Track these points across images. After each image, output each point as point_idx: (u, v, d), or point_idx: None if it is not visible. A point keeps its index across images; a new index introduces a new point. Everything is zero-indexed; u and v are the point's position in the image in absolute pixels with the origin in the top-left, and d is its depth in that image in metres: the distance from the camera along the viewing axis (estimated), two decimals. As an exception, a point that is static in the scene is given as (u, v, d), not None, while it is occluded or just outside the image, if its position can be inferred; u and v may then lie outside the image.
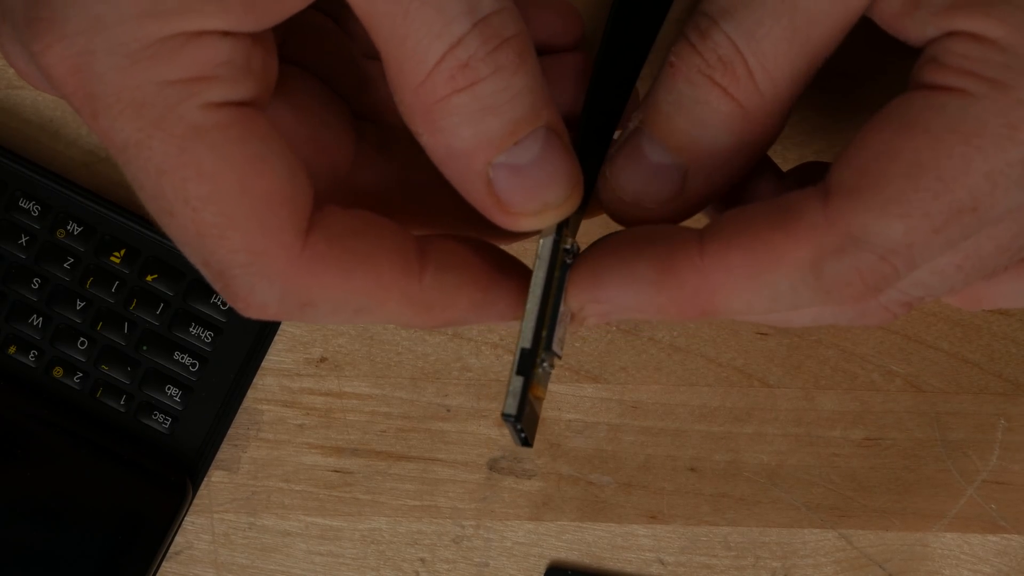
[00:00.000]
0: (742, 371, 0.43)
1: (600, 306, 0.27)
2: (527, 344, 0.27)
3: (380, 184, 0.31)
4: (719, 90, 0.26)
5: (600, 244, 0.27)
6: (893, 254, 0.24)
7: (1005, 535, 0.43)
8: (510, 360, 0.43)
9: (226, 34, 0.25)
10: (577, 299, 0.27)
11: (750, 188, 0.31)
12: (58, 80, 0.24)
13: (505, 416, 0.27)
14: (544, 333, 0.27)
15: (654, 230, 0.27)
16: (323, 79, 0.31)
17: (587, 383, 0.43)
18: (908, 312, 0.28)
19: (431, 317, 0.27)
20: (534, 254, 0.28)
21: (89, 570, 0.41)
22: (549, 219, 0.27)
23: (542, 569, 0.43)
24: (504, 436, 0.43)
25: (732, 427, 0.43)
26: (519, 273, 0.29)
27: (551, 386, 0.43)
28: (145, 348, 0.43)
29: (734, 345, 0.43)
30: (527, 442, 0.27)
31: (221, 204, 0.25)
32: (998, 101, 0.23)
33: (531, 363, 0.27)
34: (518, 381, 0.27)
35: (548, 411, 0.43)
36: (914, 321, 0.42)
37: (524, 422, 0.27)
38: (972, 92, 0.24)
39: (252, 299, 0.26)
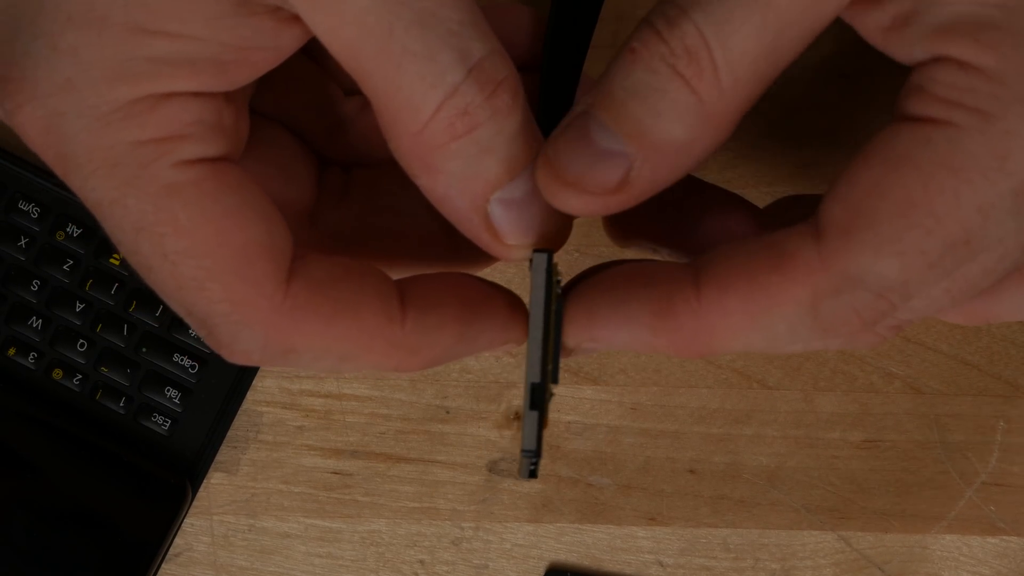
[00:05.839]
0: (741, 373, 0.43)
1: (596, 344, 0.27)
2: (536, 379, 0.27)
3: (339, 232, 0.31)
4: (680, 80, 0.25)
5: (594, 282, 0.27)
6: (889, 291, 0.24)
7: (1004, 537, 0.43)
8: (509, 362, 0.43)
9: (197, 94, 0.25)
10: (574, 338, 0.27)
11: (728, 226, 0.31)
12: (30, 138, 0.25)
13: (525, 452, 0.27)
14: (550, 367, 0.27)
15: (649, 268, 0.27)
16: (293, 125, 0.31)
17: (587, 385, 0.43)
18: (897, 334, 0.28)
19: (417, 359, 0.27)
20: (528, 288, 0.29)
21: (89, 572, 0.41)
22: (548, 245, 0.27)
23: (541, 571, 0.43)
24: (503, 438, 0.43)
25: (731, 429, 0.43)
26: (499, 299, 0.29)
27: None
28: (144, 350, 0.43)
29: (733, 347, 0.43)
30: (534, 474, 0.28)
31: (200, 258, 0.25)
32: (986, 132, 0.23)
33: (542, 396, 0.27)
34: (533, 416, 0.27)
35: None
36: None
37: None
38: (959, 124, 0.23)
39: (235, 347, 0.26)
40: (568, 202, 0.26)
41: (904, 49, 0.25)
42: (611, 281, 0.27)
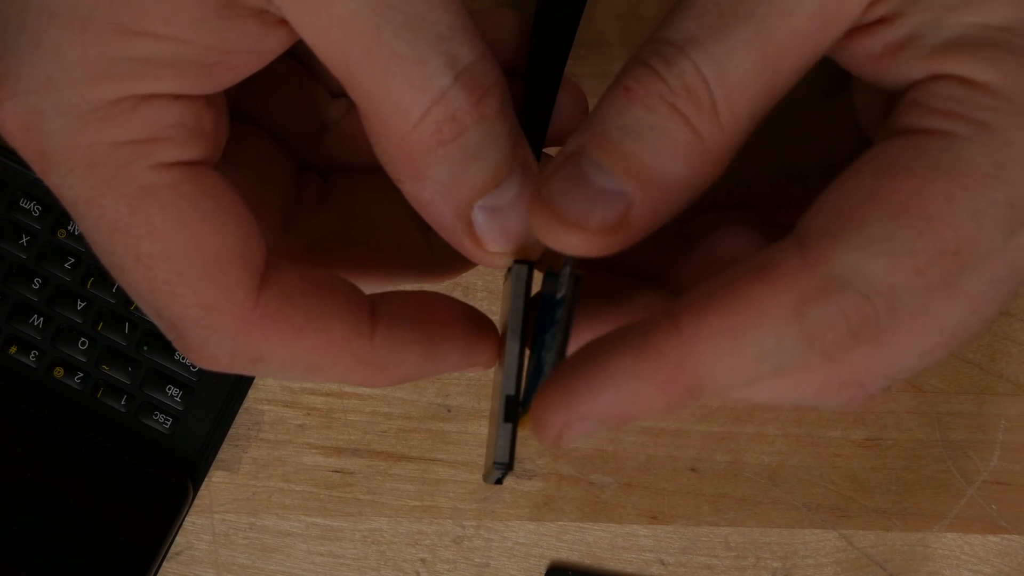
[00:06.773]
0: (743, 371, 0.43)
1: (581, 424, 0.25)
2: (511, 391, 0.27)
3: (316, 239, 0.31)
4: (679, 118, 0.24)
5: (564, 364, 0.26)
6: (876, 294, 0.24)
7: (1006, 535, 0.43)
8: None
9: (178, 97, 0.25)
10: (553, 424, 0.25)
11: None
12: (10, 135, 0.25)
13: (497, 465, 0.27)
14: (526, 378, 0.27)
15: (619, 328, 0.26)
16: (275, 127, 0.31)
17: (588, 383, 0.43)
18: (882, 394, 0.27)
19: (385, 375, 0.27)
20: (503, 297, 0.28)
21: (90, 570, 0.41)
22: (526, 255, 0.27)
23: (543, 569, 0.43)
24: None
25: (733, 427, 0.43)
26: (471, 322, 0.29)
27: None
28: (146, 348, 0.43)
29: (735, 345, 0.43)
30: (500, 482, 0.28)
31: (173, 262, 0.25)
32: (985, 141, 0.23)
33: (515, 409, 0.27)
34: (507, 428, 0.27)
35: (549, 411, 0.43)
36: (915, 321, 0.43)
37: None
38: (958, 133, 0.23)
39: (204, 352, 0.26)
40: (568, 242, 0.25)
41: (897, 72, 0.24)
42: (581, 352, 0.26)
